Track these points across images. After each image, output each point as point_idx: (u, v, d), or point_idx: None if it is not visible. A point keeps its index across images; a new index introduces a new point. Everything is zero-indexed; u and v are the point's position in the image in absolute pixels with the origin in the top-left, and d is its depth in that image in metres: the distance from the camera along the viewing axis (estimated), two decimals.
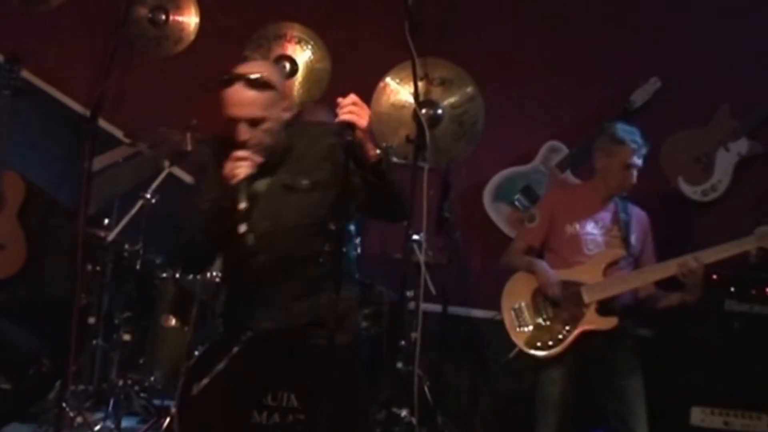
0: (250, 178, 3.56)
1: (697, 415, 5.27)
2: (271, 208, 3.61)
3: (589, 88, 6.16)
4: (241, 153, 3.52)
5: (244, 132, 3.52)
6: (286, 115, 3.64)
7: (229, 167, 3.51)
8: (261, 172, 3.60)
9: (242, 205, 3.48)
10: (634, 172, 4.99)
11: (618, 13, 6.17)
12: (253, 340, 3.67)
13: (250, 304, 3.72)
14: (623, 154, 4.98)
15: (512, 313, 5.04)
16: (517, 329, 5.01)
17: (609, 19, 6.18)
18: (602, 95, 6.11)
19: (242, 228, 3.48)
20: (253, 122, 3.53)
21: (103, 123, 5.59)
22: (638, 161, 5.00)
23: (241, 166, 3.51)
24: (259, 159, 3.55)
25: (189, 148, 5.36)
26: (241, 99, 3.51)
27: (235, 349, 3.63)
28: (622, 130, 5.05)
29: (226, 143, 3.58)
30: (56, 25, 6.28)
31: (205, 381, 3.63)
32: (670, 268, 4.84)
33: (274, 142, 3.60)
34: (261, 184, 3.64)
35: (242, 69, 3.57)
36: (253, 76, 3.52)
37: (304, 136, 3.70)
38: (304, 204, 3.62)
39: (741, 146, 5.91)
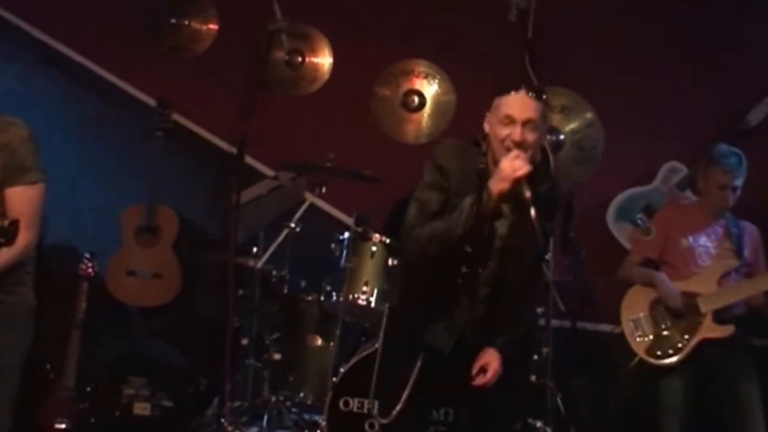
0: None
1: None
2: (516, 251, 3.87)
3: (706, 109, 6.25)
4: (516, 152, 3.70)
5: (518, 133, 3.71)
6: (539, 144, 3.87)
7: (508, 163, 3.68)
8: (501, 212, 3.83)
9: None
10: (730, 194, 5.07)
11: (734, 35, 6.25)
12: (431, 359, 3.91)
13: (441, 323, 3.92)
14: (718, 176, 5.08)
15: (631, 324, 5.19)
16: (637, 339, 5.16)
17: (725, 41, 6.26)
18: (719, 115, 6.16)
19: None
20: (529, 125, 3.73)
21: (247, 158, 5.76)
22: (734, 182, 5.06)
23: (523, 163, 3.67)
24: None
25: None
26: (526, 102, 3.75)
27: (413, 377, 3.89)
28: (718, 152, 5.13)
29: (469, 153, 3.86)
30: (201, 71, 6.50)
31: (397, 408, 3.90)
32: None
33: (533, 161, 3.77)
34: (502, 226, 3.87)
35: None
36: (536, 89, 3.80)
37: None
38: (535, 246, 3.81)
39: None
